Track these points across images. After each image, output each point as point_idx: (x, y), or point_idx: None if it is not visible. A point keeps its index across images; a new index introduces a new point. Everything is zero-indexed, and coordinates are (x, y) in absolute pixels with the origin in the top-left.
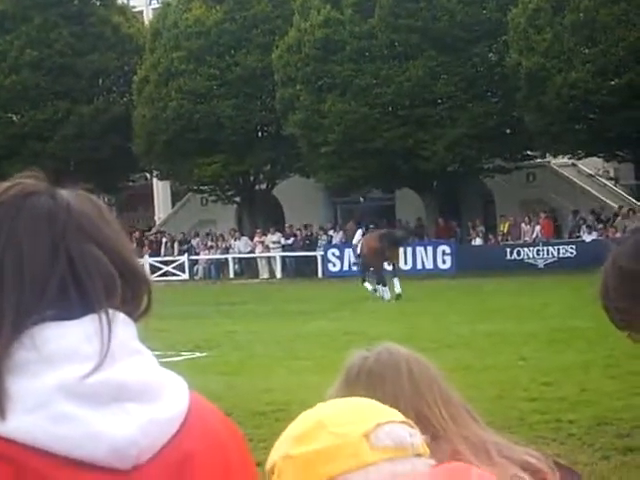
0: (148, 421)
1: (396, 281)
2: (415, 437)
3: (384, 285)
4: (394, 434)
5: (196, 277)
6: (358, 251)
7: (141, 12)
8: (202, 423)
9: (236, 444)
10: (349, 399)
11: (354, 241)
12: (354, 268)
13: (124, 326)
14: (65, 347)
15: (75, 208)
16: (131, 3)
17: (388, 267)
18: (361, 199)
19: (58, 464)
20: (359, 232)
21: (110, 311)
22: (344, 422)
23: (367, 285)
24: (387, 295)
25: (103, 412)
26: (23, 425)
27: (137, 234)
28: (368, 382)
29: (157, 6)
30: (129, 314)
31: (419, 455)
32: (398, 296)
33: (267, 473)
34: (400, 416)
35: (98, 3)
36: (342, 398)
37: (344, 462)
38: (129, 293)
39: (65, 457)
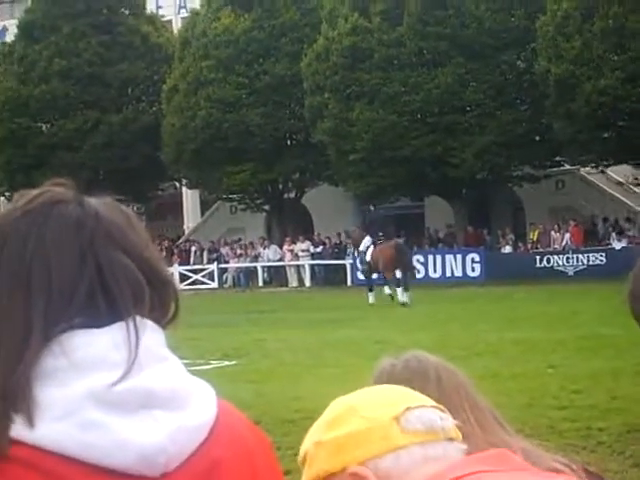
0: (176, 428)
1: (400, 290)
2: (446, 421)
3: (397, 286)
4: (425, 417)
5: (225, 285)
6: (368, 258)
7: (170, 21)
8: (230, 430)
9: (264, 451)
10: (380, 386)
11: (361, 247)
12: (360, 276)
13: (152, 333)
14: (93, 355)
15: (103, 216)
16: (160, 12)
17: (398, 275)
18: (371, 207)
19: (86, 472)
20: (368, 239)
21: (138, 318)
22: (375, 406)
23: (370, 295)
24: (405, 298)
25: (131, 420)
26: (51, 433)
27: (166, 243)
28: None
29: (186, 15)
30: (157, 321)
31: (451, 439)
32: (404, 304)
33: (300, 464)
34: (431, 401)
35: (127, 12)
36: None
37: (374, 446)
38: (157, 300)
39: (94, 465)
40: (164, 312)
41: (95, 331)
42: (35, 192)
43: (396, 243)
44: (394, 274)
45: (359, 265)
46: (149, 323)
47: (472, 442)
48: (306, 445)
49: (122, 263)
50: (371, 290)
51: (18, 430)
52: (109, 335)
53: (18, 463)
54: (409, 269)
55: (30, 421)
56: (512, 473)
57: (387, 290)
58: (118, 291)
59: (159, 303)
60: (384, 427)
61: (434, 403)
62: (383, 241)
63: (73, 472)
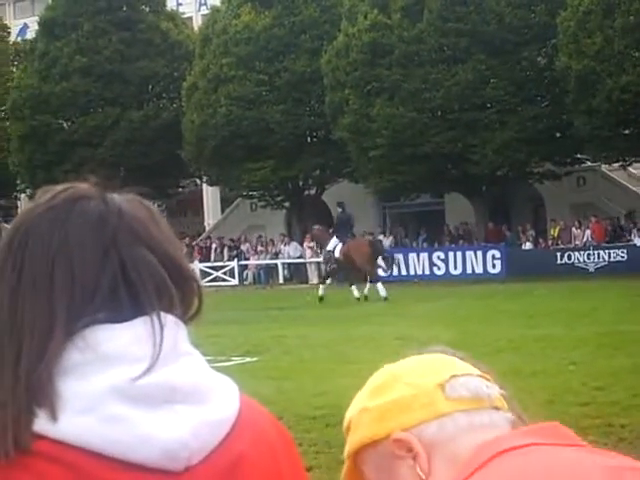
0: (199, 423)
1: (380, 286)
2: (492, 389)
3: (351, 285)
4: (470, 385)
5: (245, 282)
6: (337, 255)
7: (190, 18)
8: (252, 426)
9: (286, 447)
10: (426, 355)
11: (329, 247)
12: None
13: (175, 328)
14: (115, 349)
15: (126, 212)
16: (180, 9)
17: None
18: (339, 209)
19: (110, 466)
20: (335, 239)
21: (162, 314)
22: (420, 374)
23: (354, 289)
24: (357, 293)
25: (154, 414)
26: (75, 427)
27: (187, 240)
28: None
29: (206, 12)
30: (180, 317)
31: (497, 408)
32: (385, 299)
33: (344, 431)
34: (476, 370)
35: (147, 10)
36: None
37: (418, 412)
38: (180, 296)
39: (117, 459)
40: (187, 308)
41: (117, 326)
42: (58, 188)
43: (370, 241)
44: (376, 271)
45: (325, 264)
46: (172, 318)
47: None
48: (350, 412)
49: (145, 259)
50: (327, 281)
51: (41, 424)
52: (132, 330)
53: (42, 457)
54: (389, 265)
55: (53, 415)
56: (571, 448)
57: (356, 292)
58: (141, 287)
59: (182, 299)
60: (429, 394)
61: (480, 372)
62: (356, 239)
63: (96, 466)
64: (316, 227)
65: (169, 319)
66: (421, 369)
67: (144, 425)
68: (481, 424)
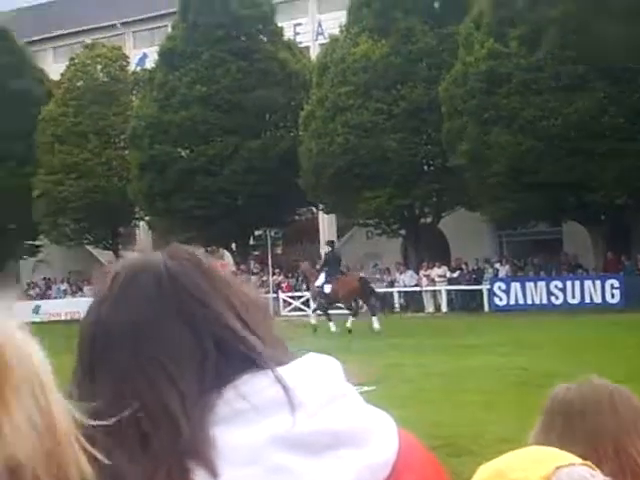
0: (362, 468)
1: (375, 319)
2: (597, 478)
3: (354, 315)
4: (575, 474)
5: (361, 310)
6: (326, 290)
7: (307, 48)
8: (411, 466)
9: None
10: (527, 448)
11: (317, 282)
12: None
13: (327, 370)
14: (269, 397)
15: (180, 277)
16: (297, 39)
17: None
18: (328, 248)
19: None
20: (322, 275)
21: (312, 355)
22: (523, 468)
23: (332, 325)
24: (334, 328)
25: (318, 462)
26: (238, 479)
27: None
28: (568, 415)
29: (323, 41)
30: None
31: None
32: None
33: None
34: (579, 459)
35: (265, 39)
36: (526, 448)
37: None
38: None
39: None
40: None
41: (262, 373)
42: (111, 274)
43: (360, 278)
44: (352, 304)
45: (316, 298)
46: (325, 359)
47: None
48: None
49: (220, 321)
50: (330, 320)
51: (202, 478)
52: (274, 377)
53: None
54: (377, 298)
55: (213, 470)
56: None
57: (333, 327)
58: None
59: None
60: None
61: (582, 461)
62: (348, 275)
63: None
64: (303, 263)
65: (317, 360)
66: (524, 463)
67: (309, 474)
68: None
